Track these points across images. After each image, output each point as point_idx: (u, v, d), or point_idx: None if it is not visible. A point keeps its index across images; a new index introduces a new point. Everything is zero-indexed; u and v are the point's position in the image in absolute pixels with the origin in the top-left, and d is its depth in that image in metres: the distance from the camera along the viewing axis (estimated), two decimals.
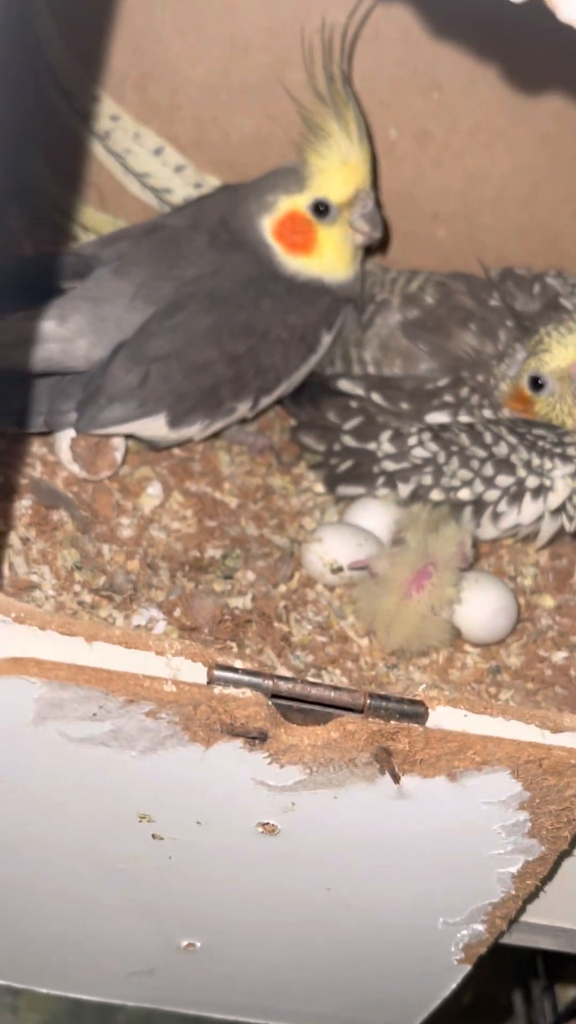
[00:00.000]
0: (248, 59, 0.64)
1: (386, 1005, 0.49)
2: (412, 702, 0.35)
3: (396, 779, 0.36)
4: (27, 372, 0.53)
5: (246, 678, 0.34)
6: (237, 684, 0.34)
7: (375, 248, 0.64)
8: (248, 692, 0.34)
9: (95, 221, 0.70)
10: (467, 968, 0.46)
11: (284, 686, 0.35)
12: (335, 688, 0.35)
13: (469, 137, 0.66)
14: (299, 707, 0.35)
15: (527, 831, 0.38)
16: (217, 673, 0.34)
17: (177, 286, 0.56)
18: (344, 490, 0.60)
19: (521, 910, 0.43)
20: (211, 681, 0.34)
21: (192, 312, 0.55)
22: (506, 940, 0.47)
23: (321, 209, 0.57)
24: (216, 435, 0.61)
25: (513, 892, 0.41)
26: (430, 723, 0.35)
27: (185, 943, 0.45)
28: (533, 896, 0.43)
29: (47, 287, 0.55)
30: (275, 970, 0.47)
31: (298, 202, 0.58)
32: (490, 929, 0.43)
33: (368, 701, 0.35)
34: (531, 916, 0.45)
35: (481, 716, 0.36)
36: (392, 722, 0.35)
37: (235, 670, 0.35)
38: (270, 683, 0.35)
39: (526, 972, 0.80)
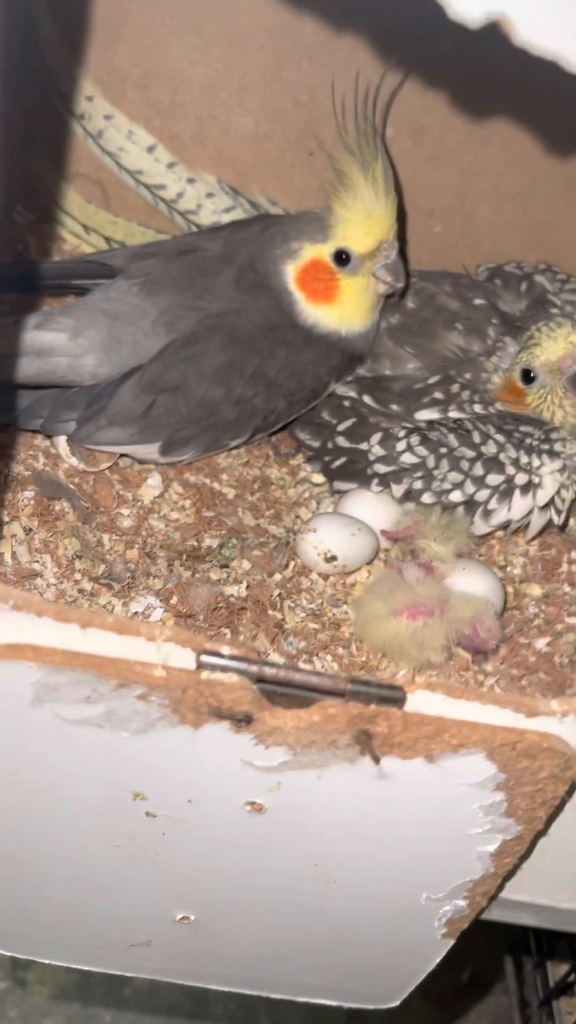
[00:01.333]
0: (247, 58, 0.65)
1: (375, 978, 0.51)
2: (391, 687, 0.37)
3: (376, 760, 0.38)
4: (29, 384, 0.54)
5: (232, 663, 0.36)
6: (224, 669, 0.36)
7: (398, 297, 0.65)
8: (234, 677, 0.36)
9: (98, 220, 0.71)
10: (450, 942, 0.48)
11: (269, 671, 0.36)
12: (317, 674, 0.37)
13: (464, 135, 0.67)
14: (283, 691, 0.37)
15: (503, 811, 0.40)
16: (204, 658, 0.36)
17: (199, 319, 0.56)
18: (340, 485, 0.62)
19: (500, 887, 0.45)
20: (199, 666, 0.36)
21: (209, 348, 0.56)
22: (489, 916, 0.48)
23: (343, 258, 0.57)
24: None
25: (492, 870, 0.43)
26: (408, 707, 0.37)
27: (180, 916, 0.47)
28: (511, 873, 0.44)
29: (68, 287, 0.56)
30: (267, 943, 0.49)
31: (322, 251, 0.58)
32: (471, 905, 0.45)
33: (349, 686, 0.37)
34: (512, 893, 0.47)
35: (458, 701, 0.37)
36: (372, 706, 0.37)
37: (222, 655, 0.36)
38: (255, 668, 0.36)
39: (518, 950, 0.82)
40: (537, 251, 0.71)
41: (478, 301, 0.63)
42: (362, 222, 0.56)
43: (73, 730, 0.38)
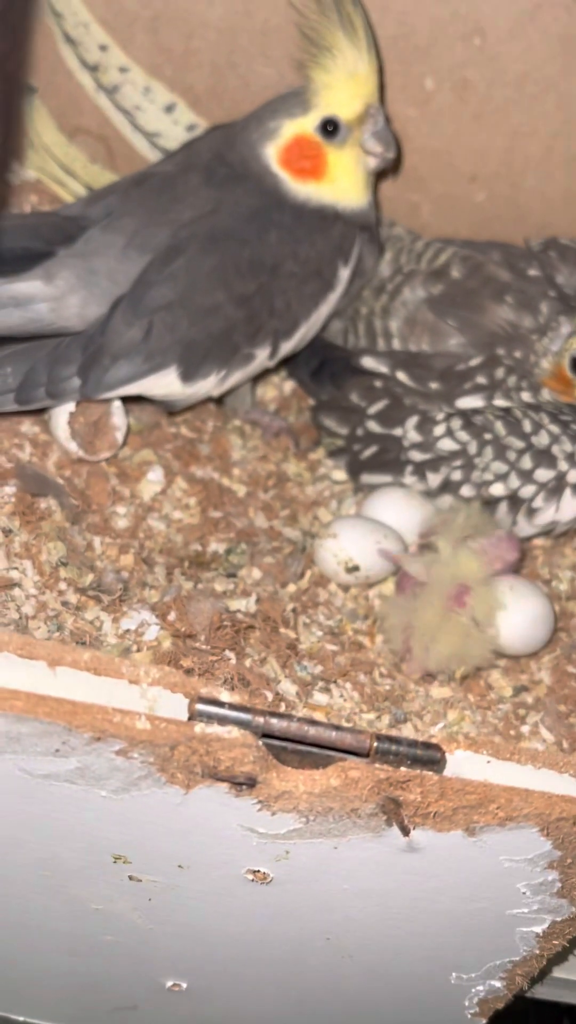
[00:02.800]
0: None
1: None
2: (426, 746, 0.30)
3: (406, 833, 0.31)
4: (14, 337, 0.48)
5: (233, 714, 0.30)
6: (222, 721, 0.30)
7: (390, 171, 0.58)
8: (235, 731, 0.30)
9: (103, 181, 0.64)
10: (482, 1022, 0.41)
11: (277, 724, 0.30)
12: (336, 728, 0.30)
13: (514, 89, 0.59)
14: (295, 748, 0.30)
15: (556, 891, 0.33)
16: (199, 707, 0.30)
17: (173, 230, 0.51)
18: (368, 478, 0.55)
19: (547, 970, 0.38)
20: (192, 716, 0.30)
21: (192, 255, 0.51)
22: (532, 994, 0.42)
23: (330, 129, 0.52)
24: (228, 416, 0.56)
25: (537, 952, 0.36)
26: (447, 771, 0.30)
27: (170, 983, 0.41)
28: (562, 956, 0.38)
29: (32, 252, 0.51)
30: (269, 1014, 0.43)
31: (304, 124, 0.53)
32: (509, 986, 0.38)
33: (375, 744, 0.30)
34: (559, 971, 0.41)
35: (507, 763, 0.31)
36: (402, 769, 0.30)
37: (221, 704, 0.30)
38: (261, 720, 0.30)
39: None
40: None
41: (532, 272, 0.56)
42: (346, 84, 0.51)
43: (41, 785, 0.31)
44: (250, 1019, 0.43)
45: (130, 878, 0.35)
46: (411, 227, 0.64)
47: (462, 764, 0.31)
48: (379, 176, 0.58)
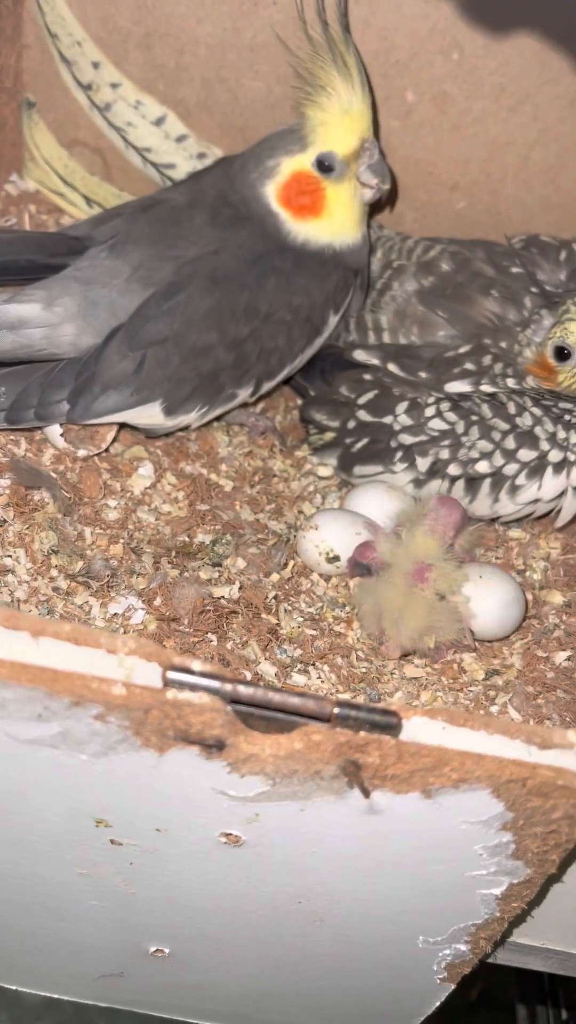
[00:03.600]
0: (258, 16, 0.60)
1: (368, 1021, 0.47)
2: (384, 712, 0.32)
3: (366, 794, 0.33)
4: (5, 361, 0.50)
5: (203, 681, 0.32)
6: (193, 688, 0.32)
7: (384, 203, 0.60)
8: (205, 697, 0.32)
9: (101, 193, 0.67)
10: (451, 987, 0.43)
11: (244, 691, 0.32)
12: (300, 695, 0.32)
13: (492, 101, 0.62)
14: (261, 714, 0.33)
15: (511, 853, 0.35)
16: (171, 675, 0.32)
17: (177, 267, 0.53)
18: (361, 469, 0.57)
19: (507, 932, 0.40)
20: (165, 684, 0.32)
21: (192, 293, 0.52)
22: (493, 960, 0.44)
23: (327, 164, 0.54)
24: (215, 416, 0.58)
25: (498, 914, 0.38)
26: (403, 735, 0.32)
27: (153, 949, 0.43)
28: (520, 918, 0.40)
29: (36, 264, 0.53)
30: (249, 979, 0.45)
31: (302, 161, 0.55)
32: (474, 950, 0.40)
33: (336, 710, 0.32)
34: (521, 937, 0.43)
35: (461, 729, 0.33)
36: (362, 733, 0.32)
37: (192, 672, 0.32)
38: (229, 687, 0.32)
39: (530, 981, 0.77)
40: (569, 230, 0.65)
41: (515, 269, 0.59)
42: (341, 121, 0.53)
43: (25, 750, 0.33)
44: (231, 984, 0.45)
45: (111, 842, 0.37)
46: (399, 231, 0.67)
47: (418, 730, 0.33)
48: (373, 207, 0.60)
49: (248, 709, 0.32)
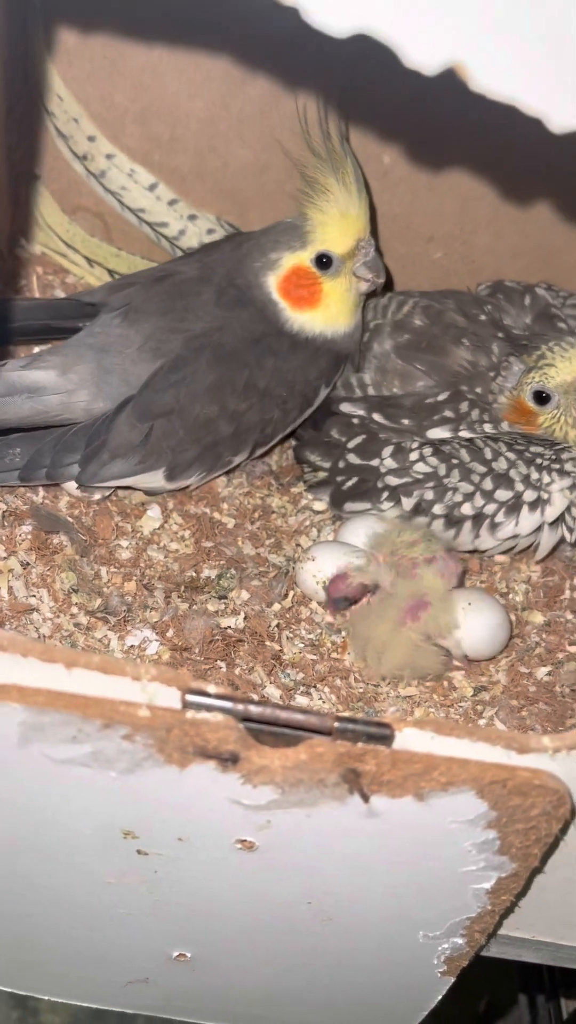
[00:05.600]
0: (245, 92, 0.65)
1: (377, 1016, 0.50)
2: (379, 724, 0.37)
3: (365, 799, 0.37)
4: (23, 427, 0.54)
5: (218, 702, 0.36)
6: (209, 708, 0.36)
7: (379, 292, 0.65)
8: (220, 716, 0.36)
9: (101, 253, 0.72)
10: (451, 980, 0.47)
11: (255, 710, 0.36)
12: (304, 711, 0.37)
13: (462, 161, 0.67)
14: (270, 730, 0.37)
15: (497, 849, 0.39)
16: (190, 698, 0.36)
17: (185, 340, 0.57)
18: (351, 506, 0.62)
19: (499, 924, 0.44)
20: (184, 705, 0.36)
21: (198, 368, 0.56)
22: (489, 953, 0.48)
23: (324, 262, 0.59)
24: None
25: (489, 907, 0.42)
26: (396, 745, 0.37)
27: (176, 953, 0.47)
28: (509, 911, 0.44)
29: (51, 328, 0.57)
30: (265, 980, 0.48)
31: (302, 257, 0.59)
32: (470, 942, 0.44)
33: (336, 724, 0.36)
34: (513, 930, 0.46)
35: (447, 738, 0.37)
36: (359, 744, 0.36)
37: (207, 694, 0.36)
38: (241, 707, 0.36)
39: (532, 984, 0.80)
40: (538, 275, 0.71)
41: (482, 317, 0.63)
42: (338, 223, 0.58)
43: (61, 769, 0.38)
44: (248, 986, 0.49)
45: (138, 852, 0.41)
46: None
47: (410, 739, 0.37)
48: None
49: (258, 726, 0.37)
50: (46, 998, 0.52)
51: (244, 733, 0.36)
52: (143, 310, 0.57)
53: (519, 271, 0.71)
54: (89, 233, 0.72)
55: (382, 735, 0.37)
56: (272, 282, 0.59)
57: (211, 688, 0.36)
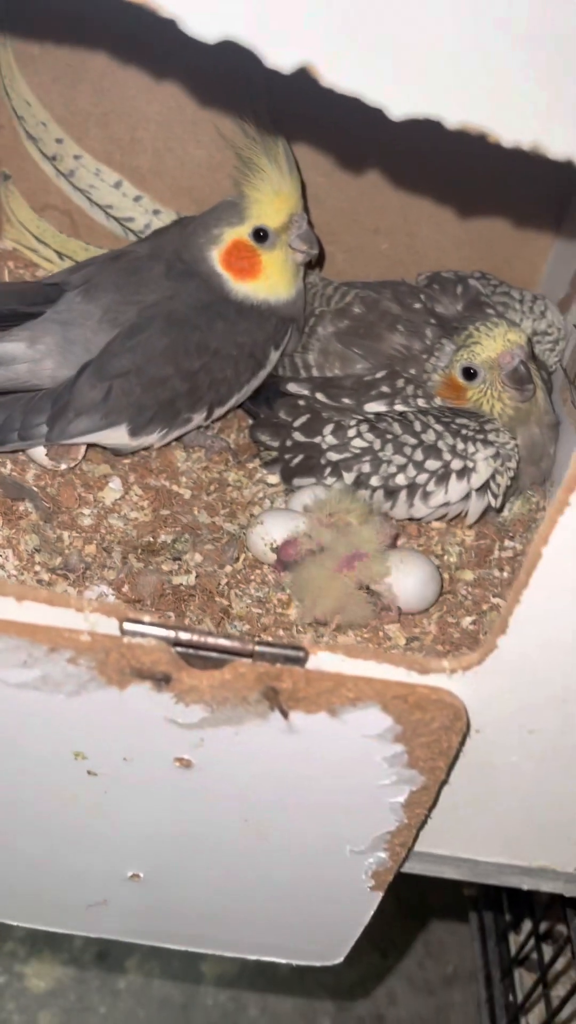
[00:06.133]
0: (198, 95, 0.70)
1: (315, 933, 0.55)
2: (294, 647, 0.41)
3: (284, 714, 0.42)
4: None
5: (152, 629, 0.41)
6: (144, 635, 0.41)
7: (315, 263, 0.70)
8: (153, 641, 0.41)
9: (71, 247, 0.77)
10: (380, 894, 0.52)
11: (184, 636, 0.41)
12: (228, 636, 0.41)
13: (404, 160, 0.72)
14: (198, 654, 0.42)
15: (406, 762, 0.44)
16: (127, 626, 0.41)
17: (139, 310, 0.62)
18: (299, 481, 0.67)
19: (416, 837, 0.49)
20: (122, 633, 0.41)
21: (151, 333, 0.62)
22: (413, 870, 0.52)
23: (261, 235, 0.64)
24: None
25: (405, 820, 0.47)
26: (310, 666, 0.41)
27: (130, 873, 0.52)
28: (424, 824, 0.48)
29: (18, 313, 0.62)
30: (212, 900, 0.53)
31: (240, 232, 0.64)
32: (392, 856, 0.49)
33: (256, 647, 0.41)
34: (434, 847, 0.51)
35: (356, 660, 0.42)
36: (277, 665, 0.41)
37: (142, 622, 0.41)
38: (172, 633, 0.41)
39: (488, 932, 0.85)
40: (478, 266, 0.76)
41: (416, 305, 0.69)
42: (272, 200, 0.63)
43: (15, 693, 0.42)
44: (197, 904, 0.54)
45: (88, 772, 0.46)
46: (328, 273, 0.77)
47: (323, 661, 0.42)
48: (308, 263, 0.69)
49: (188, 650, 0.42)
50: (8, 922, 0.56)
51: (175, 656, 0.41)
52: (101, 286, 0.63)
53: (460, 261, 0.76)
54: (58, 229, 0.77)
55: (297, 656, 0.41)
56: (215, 255, 0.65)
57: (146, 618, 0.41)
